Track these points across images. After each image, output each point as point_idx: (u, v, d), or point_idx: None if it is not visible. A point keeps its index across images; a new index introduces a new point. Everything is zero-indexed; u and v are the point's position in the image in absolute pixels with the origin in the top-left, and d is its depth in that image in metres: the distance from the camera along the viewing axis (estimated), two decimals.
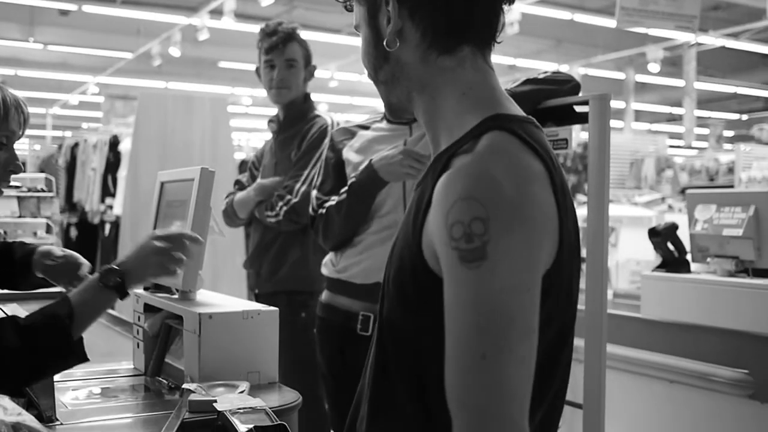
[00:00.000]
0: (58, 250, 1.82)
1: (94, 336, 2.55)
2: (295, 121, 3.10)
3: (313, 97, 3.22)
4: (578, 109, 2.20)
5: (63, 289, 3.25)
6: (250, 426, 1.27)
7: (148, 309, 1.91)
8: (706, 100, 17.25)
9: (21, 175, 3.77)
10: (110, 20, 12.48)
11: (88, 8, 11.85)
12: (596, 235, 2.08)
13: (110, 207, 6.61)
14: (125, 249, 5.78)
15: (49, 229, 3.45)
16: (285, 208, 2.89)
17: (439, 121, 1.10)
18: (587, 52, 14.15)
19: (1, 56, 14.95)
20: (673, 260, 3.23)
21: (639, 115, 18.60)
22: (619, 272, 3.95)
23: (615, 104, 13.87)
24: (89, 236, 6.94)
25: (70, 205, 7.27)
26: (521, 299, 0.92)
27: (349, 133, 2.49)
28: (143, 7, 11.96)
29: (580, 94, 2.24)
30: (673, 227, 3.28)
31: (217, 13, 10.55)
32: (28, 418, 1.30)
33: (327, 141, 2.62)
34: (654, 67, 12.56)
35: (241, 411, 1.33)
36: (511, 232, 0.92)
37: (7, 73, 16.19)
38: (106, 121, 9.09)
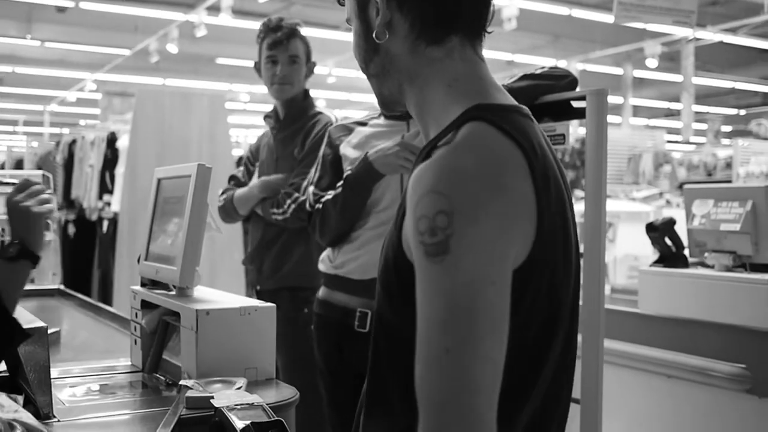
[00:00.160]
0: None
1: (92, 333, 2.55)
2: (296, 118, 3.10)
3: (311, 93, 3.22)
4: (575, 104, 2.20)
5: (55, 286, 3.24)
6: (248, 422, 1.27)
7: (146, 305, 1.91)
8: (704, 96, 17.26)
9: (18, 171, 3.76)
10: (108, 17, 12.47)
11: (85, 5, 11.84)
12: (593, 231, 2.08)
13: (108, 204, 6.60)
14: (123, 245, 5.79)
15: (46, 226, 3.44)
16: (293, 206, 2.89)
17: (427, 112, 1.10)
18: (585, 47, 14.16)
19: None
20: (670, 255, 3.23)
21: (637, 111, 18.62)
22: (617, 267, 3.95)
23: (613, 99, 13.88)
24: (87, 233, 6.93)
25: (68, 202, 7.26)
26: (486, 293, 0.90)
27: (347, 129, 2.49)
28: (141, 3, 11.95)
29: (578, 90, 2.24)
30: (671, 222, 3.28)
31: (214, 9, 10.55)
32: (25, 415, 1.30)
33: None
34: (652, 63, 12.58)
35: (239, 407, 1.33)
36: (475, 225, 0.91)
37: (4, 70, 16.20)
38: (104, 118, 9.08)
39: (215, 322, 1.65)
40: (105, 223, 6.64)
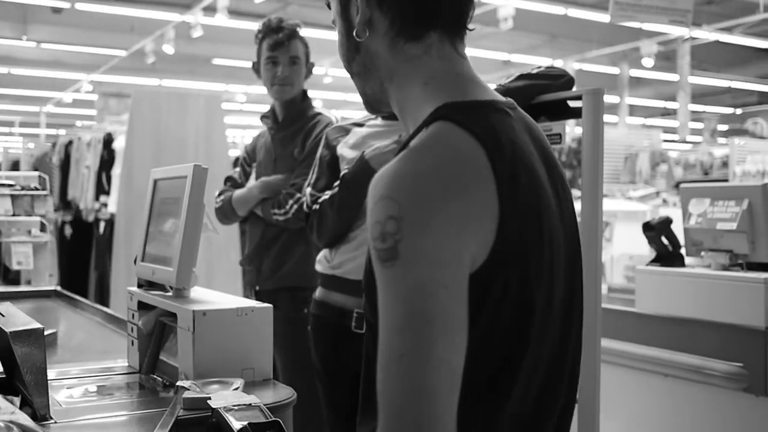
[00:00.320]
0: None
1: (89, 334, 2.55)
2: (296, 119, 3.09)
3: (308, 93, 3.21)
4: (572, 103, 2.20)
5: (52, 287, 3.24)
6: (245, 423, 1.27)
7: (142, 306, 1.91)
8: (701, 95, 17.27)
9: (15, 173, 3.75)
10: (103, 17, 12.46)
11: (81, 6, 11.83)
12: (590, 230, 2.09)
13: (105, 205, 6.59)
14: (120, 247, 5.78)
15: (43, 228, 3.44)
16: (295, 206, 2.89)
17: (407, 111, 1.11)
18: (581, 47, 14.17)
19: None
20: (667, 254, 3.24)
21: (633, 110, 18.64)
22: (614, 266, 3.95)
23: (609, 99, 13.87)
24: (84, 234, 6.92)
25: (65, 203, 7.25)
26: (437, 297, 0.90)
27: (344, 130, 2.49)
28: (137, 4, 11.94)
29: (574, 89, 2.25)
30: (668, 221, 3.28)
31: (210, 10, 10.54)
32: (22, 417, 1.30)
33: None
34: (648, 62, 12.58)
35: (236, 408, 1.33)
36: (424, 230, 0.91)
37: (0, 71, 16.16)
38: (100, 119, 9.07)
39: (212, 323, 1.65)
40: (102, 224, 6.63)
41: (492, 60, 15.09)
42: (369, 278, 1.04)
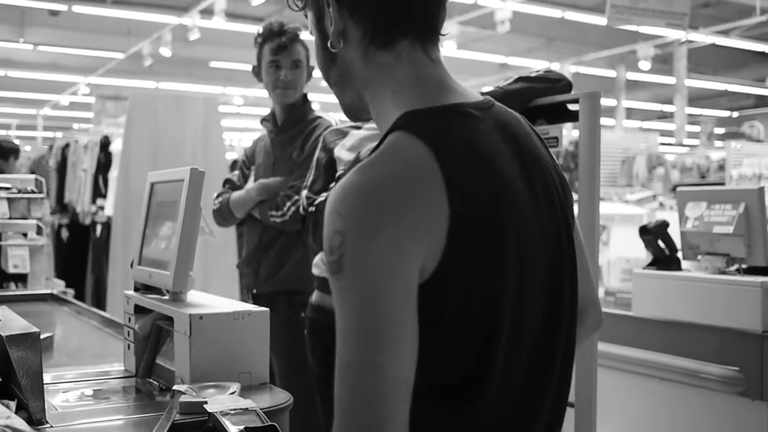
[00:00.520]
0: None
1: (85, 338, 2.55)
2: (296, 122, 3.10)
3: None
4: (569, 107, 2.20)
5: (51, 291, 3.23)
6: (241, 427, 1.26)
7: (139, 310, 1.91)
8: (697, 98, 17.30)
9: (11, 176, 3.75)
10: (100, 20, 12.46)
11: (78, 8, 11.83)
12: (587, 233, 2.08)
13: (101, 208, 6.59)
14: (117, 250, 5.78)
15: (39, 231, 3.44)
16: (293, 209, 2.89)
17: (380, 120, 1.12)
18: (578, 50, 14.19)
19: None
20: (664, 258, 3.24)
21: (630, 113, 18.67)
22: (611, 270, 3.95)
23: (606, 102, 13.91)
24: (80, 237, 6.91)
25: (61, 206, 7.24)
26: (379, 308, 0.93)
27: (341, 133, 2.49)
28: (133, 7, 11.95)
29: (571, 93, 2.25)
30: (664, 225, 3.29)
31: (207, 12, 10.54)
32: (17, 421, 1.30)
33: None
34: (645, 65, 12.61)
35: (232, 412, 1.33)
36: (366, 243, 0.94)
37: None
38: (97, 122, 9.06)
39: (209, 327, 1.65)
40: (98, 228, 6.63)
41: (489, 63, 15.11)
42: None
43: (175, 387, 1.55)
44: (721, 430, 2.86)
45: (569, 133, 7.66)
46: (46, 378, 1.53)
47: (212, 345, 1.65)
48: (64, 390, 1.74)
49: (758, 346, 2.74)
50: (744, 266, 2.97)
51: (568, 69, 13.69)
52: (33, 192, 3.51)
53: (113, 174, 6.33)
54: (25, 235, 3.43)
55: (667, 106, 17.36)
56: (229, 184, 3.22)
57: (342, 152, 2.42)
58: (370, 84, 1.12)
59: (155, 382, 1.80)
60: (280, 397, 1.61)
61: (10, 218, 3.40)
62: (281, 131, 3.11)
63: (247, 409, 1.34)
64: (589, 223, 2.09)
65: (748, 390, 2.74)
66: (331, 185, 2.36)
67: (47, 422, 1.43)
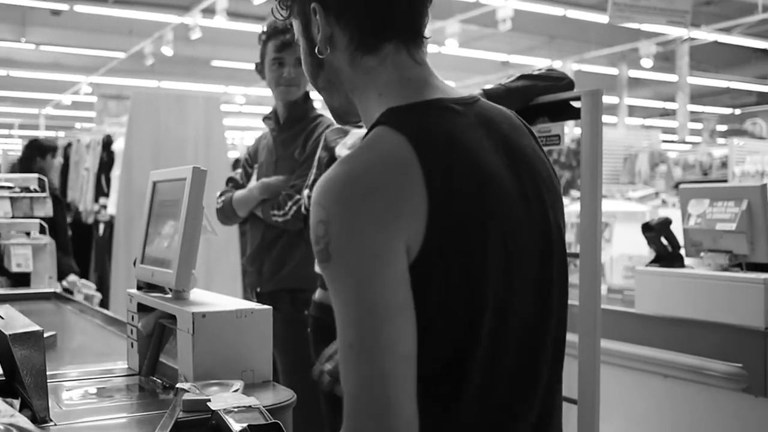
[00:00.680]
0: None
1: (89, 336, 2.55)
2: (297, 120, 3.10)
3: None
4: (571, 104, 2.20)
5: (51, 289, 3.23)
6: (244, 425, 1.26)
7: (142, 308, 1.91)
8: (699, 95, 17.27)
9: (13, 175, 3.75)
10: (102, 20, 12.46)
11: (79, 8, 11.83)
12: (589, 231, 2.08)
13: (104, 207, 6.60)
14: (119, 249, 5.78)
15: (42, 230, 3.44)
16: (294, 208, 2.89)
17: (368, 121, 1.16)
18: (580, 47, 14.17)
19: None
20: (666, 255, 3.23)
21: (632, 111, 18.65)
22: (613, 267, 3.95)
23: (608, 100, 13.90)
24: (83, 236, 6.92)
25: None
26: (372, 289, 0.96)
27: (343, 131, 2.49)
28: (135, 6, 11.94)
29: (573, 90, 2.24)
30: (667, 222, 3.28)
31: (209, 11, 10.54)
32: (21, 420, 1.30)
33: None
34: (647, 63, 12.59)
35: (235, 410, 1.33)
36: (348, 229, 0.98)
37: None
38: (99, 121, 9.08)
39: (211, 325, 1.65)
40: (101, 226, 6.64)
41: (491, 61, 15.10)
42: None
43: (178, 385, 1.55)
44: (724, 427, 2.86)
45: (571, 130, 7.65)
46: (50, 376, 1.53)
47: (215, 343, 1.65)
48: (68, 388, 1.74)
49: (761, 343, 2.74)
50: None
51: (570, 67, 13.67)
52: (35, 191, 3.51)
53: (116, 173, 6.34)
54: (28, 234, 3.43)
55: (670, 104, 17.36)
56: (232, 183, 3.23)
57: (343, 151, 2.42)
58: (357, 88, 1.16)
59: (158, 380, 1.80)
60: (283, 394, 1.61)
61: (13, 217, 3.40)
62: (283, 129, 3.11)
63: (250, 406, 1.35)
64: (591, 220, 2.09)
65: (751, 386, 2.74)
66: None
67: (51, 420, 1.43)
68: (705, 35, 12.63)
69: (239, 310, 1.69)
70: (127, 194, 5.70)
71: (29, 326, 1.45)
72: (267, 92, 3.22)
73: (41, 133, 17.95)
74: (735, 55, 15.41)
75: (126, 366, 1.96)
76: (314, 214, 1.02)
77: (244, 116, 19.61)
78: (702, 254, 3.13)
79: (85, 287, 3.73)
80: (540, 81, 2.23)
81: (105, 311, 2.81)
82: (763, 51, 14.79)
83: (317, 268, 2.48)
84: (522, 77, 2.24)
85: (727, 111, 18.78)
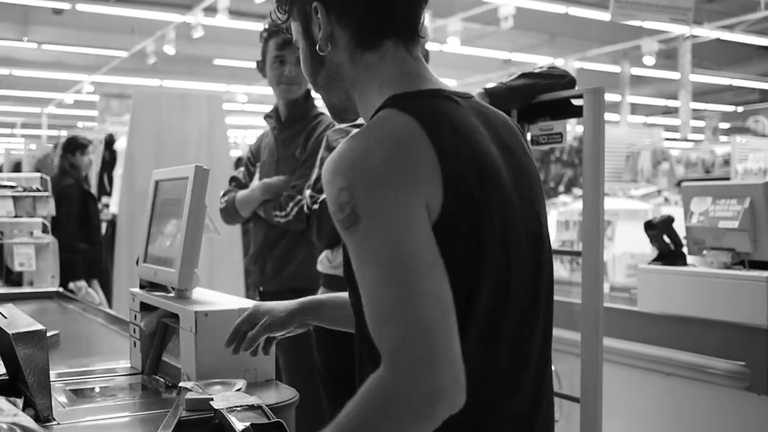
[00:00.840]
0: None
1: (92, 335, 2.55)
2: (298, 119, 3.09)
3: None
4: (573, 102, 2.20)
5: (55, 288, 3.24)
6: (247, 424, 1.27)
7: (145, 307, 1.91)
8: (702, 93, 17.25)
9: (17, 174, 3.76)
10: (104, 18, 12.45)
11: (81, 7, 11.82)
12: (592, 229, 2.09)
13: (106, 206, 6.60)
14: (122, 247, 5.78)
15: (45, 229, 3.45)
16: (296, 209, 2.89)
17: (367, 115, 1.19)
18: (582, 45, 14.14)
19: None
20: (669, 253, 3.23)
21: (635, 108, 18.61)
22: (616, 265, 3.95)
23: (610, 97, 13.88)
24: None
25: None
26: (407, 243, 0.98)
27: (344, 132, 2.48)
28: (137, 5, 11.93)
29: (575, 88, 2.25)
30: (669, 220, 3.28)
31: (211, 10, 10.53)
32: (25, 419, 1.30)
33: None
34: (649, 60, 12.57)
35: (238, 409, 1.33)
36: (374, 190, 1.00)
37: (1, 72, 16.17)
38: (102, 120, 9.09)
39: (214, 324, 1.65)
40: (104, 225, 6.64)
41: (493, 59, 15.08)
42: (348, 267, 1.11)
43: (181, 384, 1.56)
44: (726, 425, 2.86)
45: (573, 128, 7.65)
46: (53, 375, 1.54)
47: (218, 342, 1.65)
48: (71, 387, 1.75)
49: (764, 341, 2.73)
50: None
51: (571, 65, 13.64)
52: (38, 190, 3.52)
53: (118, 172, 6.35)
54: (30, 233, 3.44)
55: (672, 102, 17.32)
56: (235, 182, 3.23)
57: None
58: (357, 83, 1.20)
59: (161, 379, 1.81)
60: (285, 393, 1.62)
61: (16, 216, 3.41)
62: (284, 127, 3.11)
63: (253, 405, 1.35)
64: (593, 218, 2.09)
65: (753, 385, 2.74)
66: None
67: (54, 419, 1.44)
68: (707, 32, 12.60)
69: (242, 309, 1.69)
70: (129, 193, 5.70)
71: (32, 325, 1.45)
72: (269, 91, 3.22)
73: (44, 132, 17.98)
74: (737, 53, 15.38)
75: (129, 365, 1.96)
76: (333, 185, 1.03)
77: (247, 115, 19.60)
78: (704, 252, 3.12)
79: (89, 296, 3.74)
80: (541, 79, 2.23)
81: (108, 310, 2.82)
82: (766, 48, 14.77)
83: (320, 267, 2.48)
84: (523, 75, 2.24)
85: (730, 108, 18.74)
